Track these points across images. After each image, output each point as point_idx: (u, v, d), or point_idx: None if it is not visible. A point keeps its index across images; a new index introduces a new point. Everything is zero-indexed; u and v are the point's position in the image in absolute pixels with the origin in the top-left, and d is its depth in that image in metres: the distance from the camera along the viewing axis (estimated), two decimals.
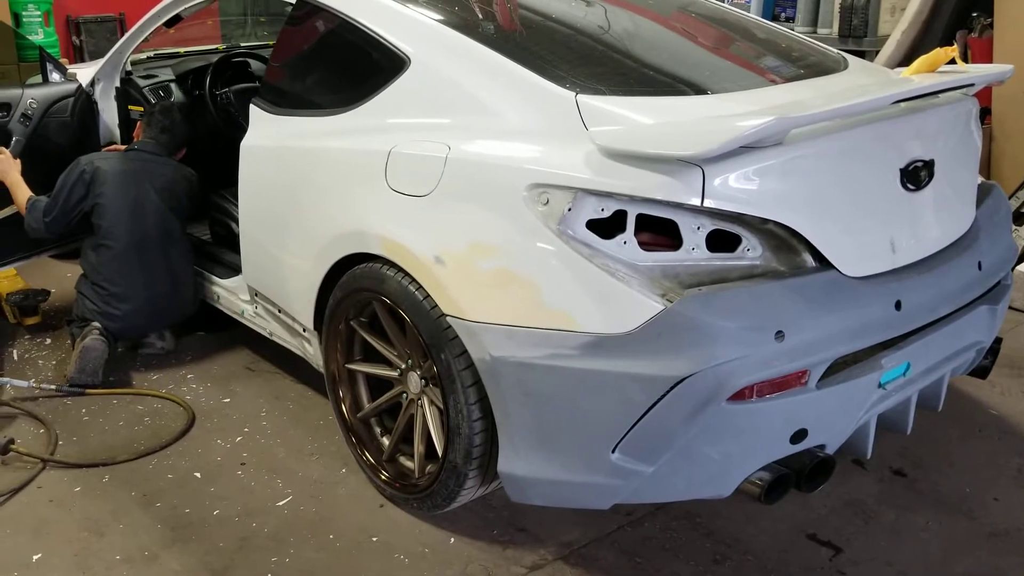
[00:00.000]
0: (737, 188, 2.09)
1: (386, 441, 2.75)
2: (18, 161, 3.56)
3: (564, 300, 2.13)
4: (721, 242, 2.19)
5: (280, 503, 2.70)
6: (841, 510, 2.66)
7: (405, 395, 2.62)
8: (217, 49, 4.50)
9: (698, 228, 2.16)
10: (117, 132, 4.08)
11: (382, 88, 2.65)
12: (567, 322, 2.12)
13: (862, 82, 2.71)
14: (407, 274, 2.40)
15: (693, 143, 2.03)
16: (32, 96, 3.69)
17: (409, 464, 2.68)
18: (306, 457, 2.93)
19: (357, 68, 2.81)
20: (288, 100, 3.02)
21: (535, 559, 2.46)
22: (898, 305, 2.25)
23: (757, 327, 2.06)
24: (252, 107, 3.07)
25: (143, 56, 4.24)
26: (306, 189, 2.80)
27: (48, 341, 3.79)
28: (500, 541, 2.53)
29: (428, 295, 2.34)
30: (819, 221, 2.18)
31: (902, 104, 2.38)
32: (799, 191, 2.16)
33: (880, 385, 2.28)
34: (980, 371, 2.83)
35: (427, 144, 2.43)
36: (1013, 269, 2.84)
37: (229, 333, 3.75)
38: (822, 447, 2.27)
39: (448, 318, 2.29)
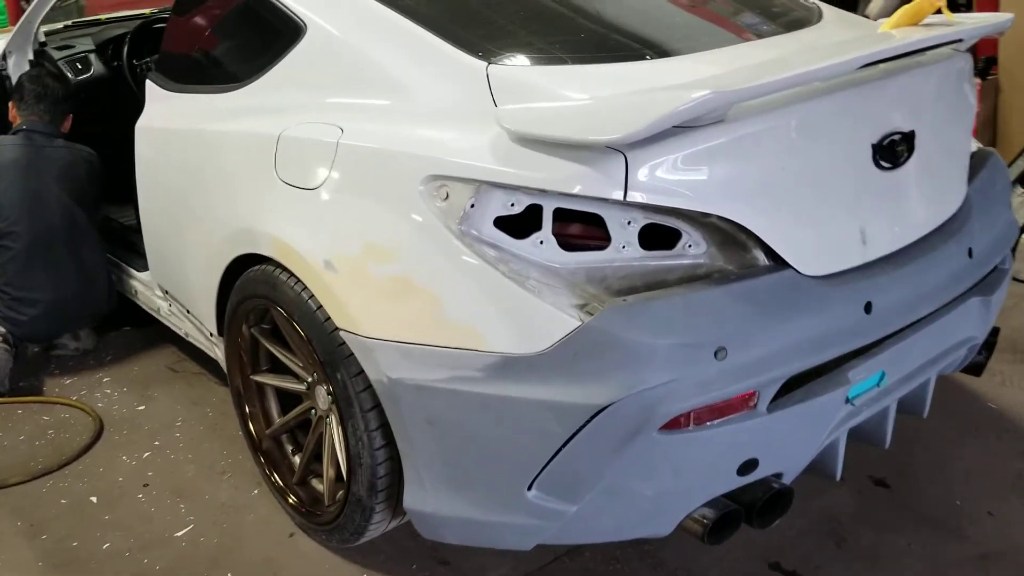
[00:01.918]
0: (669, 177, 1.73)
1: (298, 460, 2.45)
2: None
3: (467, 314, 1.80)
4: (659, 237, 1.85)
5: (179, 533, 2.40)
6: (811, 531, 2.34)
7: (314, 411, 2.30)
8: (146, 15, 4.13)
9: (628, 223, 1.82)
10: None
11: (277, 60, 2.30)
12: (471, 340, 1.79)
13: (835, 38, 2.32)
14: (299, 279, 2.07)
15: (611, 125, 1.69)
16: None
17: (320, 487, 2.37)
18: (216, 476, 2.63)
19: (252, 36, 2.46)
20: (182, 75, 2.67)
21: None
22: (868, 307, 1.90)
23: (693, 344, 1.73)
24: (147, 82, 2.73)
25: (59, 25, 3.88)
26: (199, 179, 2.46)
27: None
28: None
29: (321, 306, 2.01)
30: (770, 212, 1.83)
31: (878, 65, 2.01)
32: (745, 177, 1.81)
33: (848, 400, 1.95)
34: (974, 368, 2.48)
35: (318, 127, 2.09)
36: (1014, 249, 2.48)
37: (156, 328, 3.43)
38: (778, 476, 1.94)
39: (342, 332, 1.96)
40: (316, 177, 2.04)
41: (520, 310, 1.75)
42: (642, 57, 2.09)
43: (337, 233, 1.98)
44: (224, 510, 2.48)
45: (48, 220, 3.13)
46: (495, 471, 1.86)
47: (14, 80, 3.65)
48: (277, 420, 2.47)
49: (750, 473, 1.87)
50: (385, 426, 1.99)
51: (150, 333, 3.41)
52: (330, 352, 2.01)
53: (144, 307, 3.23)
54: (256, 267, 2.21)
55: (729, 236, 1.87)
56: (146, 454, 2.75)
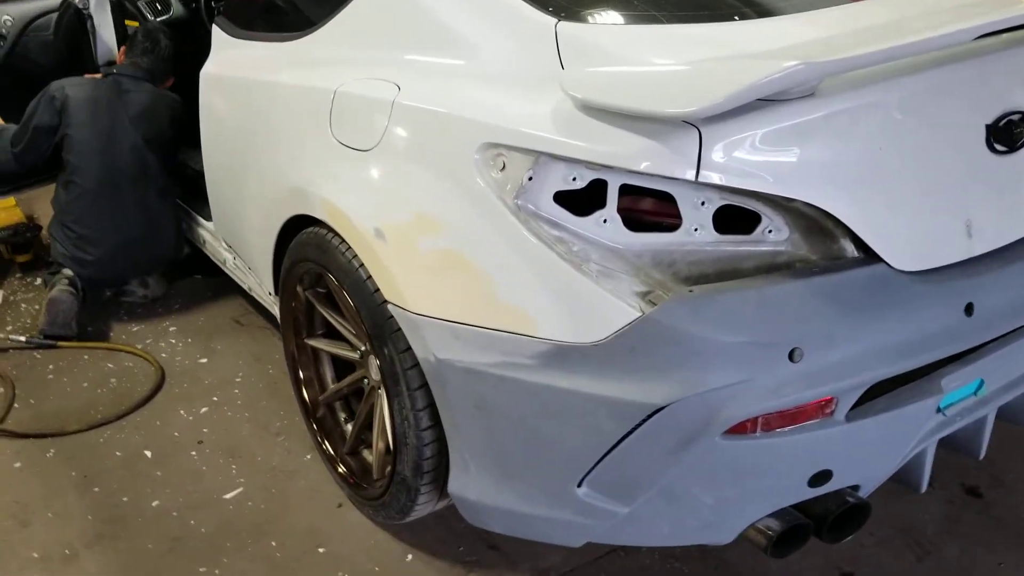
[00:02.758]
0: (748, 157, 1.56)
1: (350, 429, 2.37)
2: None
3: (521, 296, 1.67)
4: (735, 220, 1.68)
5: (228, 495, 2.36)
6: (890, 541, 2.16)
7: (367, 381, 2.21)
8: None
9: (702, 204, 1.65)
10: (116, 51, 3.71)
11: (337, 10, 2.17)
12: (523, 324, 1.66)
13: (953, 1, 2.07)
14: (350, 246, 1.97)
15: (686, 96, 1.51)
16: (7, 12, 3.33)
17: (371, 459, 2.29)
18: (270, 438, 2.58)
19: None
20: (246, 21, 2.57)
21: None
22: (969, 309, 1.69)
23: (766, 343, 1.56)
24: (214, 28, 2.64)
25: None
26: (258, 132, 2.37)
27: (38, 281, 3.51)
28: (465, 562, 2.13)
29: (370, 276, 1.91)
30: (863, 199, 1.63)
31: (999, 35, 1.77)
32: (836, 159, 1.61)
33: (939, 410, 1.76)
34: None
35: (375, 83, 1.96)
36: None
37: (224, 279, 3.38)
38: (855, 488, 1.77)
39: (390, 306, 1.85)
40: (370, 138, 1.92)
41: (576, 296, 1.61)
42: (730, 17, 1.90)
43: (388, 200, 1.86)
44: (275, 474, 2.43)
45: (117, 160, 3.09)
46: (544, 463, 1.74)
47: (96, 19, 3.63)
48: (331, 386, 2.40)
49: (822, 485, 1.70)
50: (432, 406, 1.88)
51: (218, 283, 3.36)
52: (379, 325, 1.90)
53: (211, 257, 3.19)
54: (310, 229, 2.12)
55: (815, 223, 1.68)
56: (203, 409, 2.71)
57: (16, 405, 2.75)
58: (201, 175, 3.41)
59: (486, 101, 1.77)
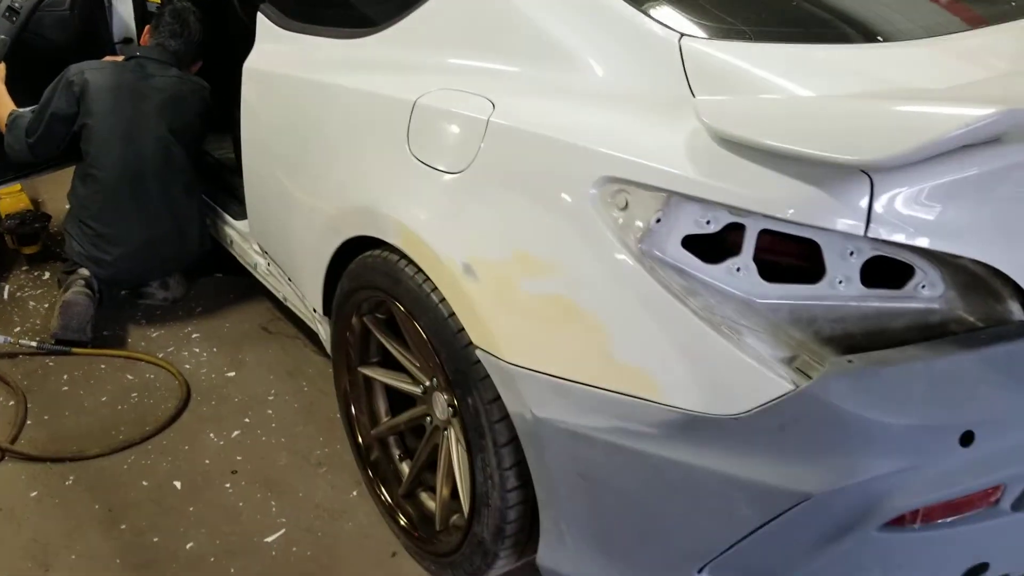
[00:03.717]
0: (919, 210, 1.34)
1: (406, 468, 2.15)
2: (2, 66, 2.96)
3: (643, 354, 1.45)
4: (879, 271, 1.47)
5: (269, 538, 2.14)
6: None
7: (429, 419, 1.99)
8: None
9: (851, 253, 1.43)
10: (134, 30, 3.43)
11: (414, 5, 1.93)
12: (645, 387, 1.44)
13: None
14: (429, 278, 1.74)
15: (861, 141, 1.29)
16: None
17: (431, 504, 2.08)
18: (311, 469, 2.36)
19: None
20: (301, 11, 2.31)
21: None
22: None
23: (936, 425, 1.35)
24: (259, 16, 2.38)
25: None
26: (314, 138, 2.13)
27: (46, 276, 3.27)
28: None
29: (453, 313, 1.68)
30: None
31: None
32: (1016, 213, 1.41)
33: None
34: None
35: (464, 97, 1.73)
36: None
37: (249, 279, 3.15)
38: None
39: (478, 351, 1.63)
40: (459, 160, 1.69)
41: (712, 359, 1.39)
42: (846, 39, 1.69)
43: (482, 233, 1.63)
44: (319, 514, 2.21)
45: (141, 152, 2.84)
46: (659, 545, 1.53)
47: None
48: (384, 420, 2.18)
49: None
50: (520, 464, 1.66)
51: (242, 284, 3.11)
52: (461, 371, 1.68)
53: (239, 259, 2.95)
54: (376, 252, 1.89)
55: (976, 279, 1.47)
56: (235, 433, 2.49)
57: (29, 422, 2.52)
58: (224, 165, 3.17)
59: (603, 127, 1.53)
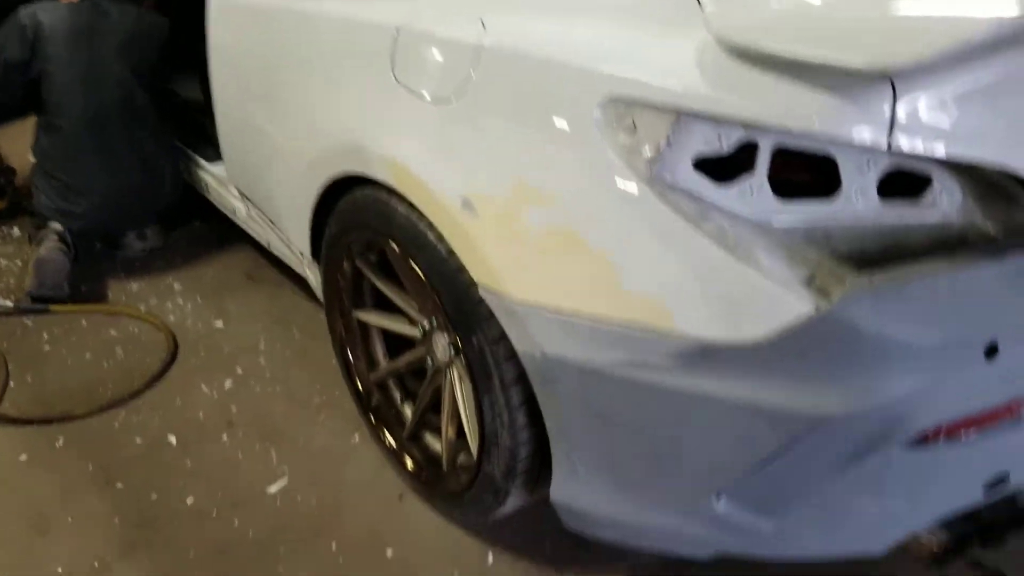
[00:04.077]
0: (943, 118, 1.28)
1: (408, 411, 2.11)
2: None
3: (654, 284, 1.39)
4: (895, 184, 1.42)
5: (272, 488, 2.09)
6: None
7: (430, 361, 1.94)
8: None
9: (868, 166, 1.38)
10: None
11: None
12: (658, 317, 1.39)
13: None
14: (424, 216, 1.67)
15: (888, 43, 1.22)
16: None
17: (437, 446, 2.04)
18: (310, 416, 2.31)
19: None
20: None
21: None
22: None
23: (960, 340, 1.32)
24: None
25: None
26: (291, 71, 2.03)
27: (16, 232, 3.16)
28: (555, 563, 1.90)
29: (453, 252, 1.62)
30: None
31: None
32: None
33: None
34: None
35: (452, 18, 1.64)
36: None
37: (229, 225, 3.05)
38: None
39: (481, 290, 1.57)
40: (449, 86, 1.60)
41: (727, 284, 1.34)
42: None
43: (479, 165, 1.56)
44: (321, 461, 2.17)
45: (103, 97, 2.72)
46: (675, 475, 1.50)
47: None
48: (383, 364, 2.12)
49: (997, 488, 1.49)
50: (530, 401, 1.62)
51: (223, 230, 3.02)
52: (464, 311, 1.62)
53: (217, 205, 2.85)
54: (365, 191, 1.81)
55: (994, 187, 1.42)
56: (228, 383, 2.43)
57: (11, 384, 2.44)
58: (193, 107, 3.05)
59: (603, 45, 1.45)
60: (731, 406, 1.37)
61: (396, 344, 2.10)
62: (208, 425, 2.28)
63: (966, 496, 1.49)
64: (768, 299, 1.31)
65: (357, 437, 2.22)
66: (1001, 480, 1.48)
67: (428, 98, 1.64)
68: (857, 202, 1.41)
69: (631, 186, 1.39)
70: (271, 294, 2.81)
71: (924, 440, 1.36)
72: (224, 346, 2.57)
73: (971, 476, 1.46)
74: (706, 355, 1.36)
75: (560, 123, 1.45)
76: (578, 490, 1.62)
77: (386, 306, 2.03)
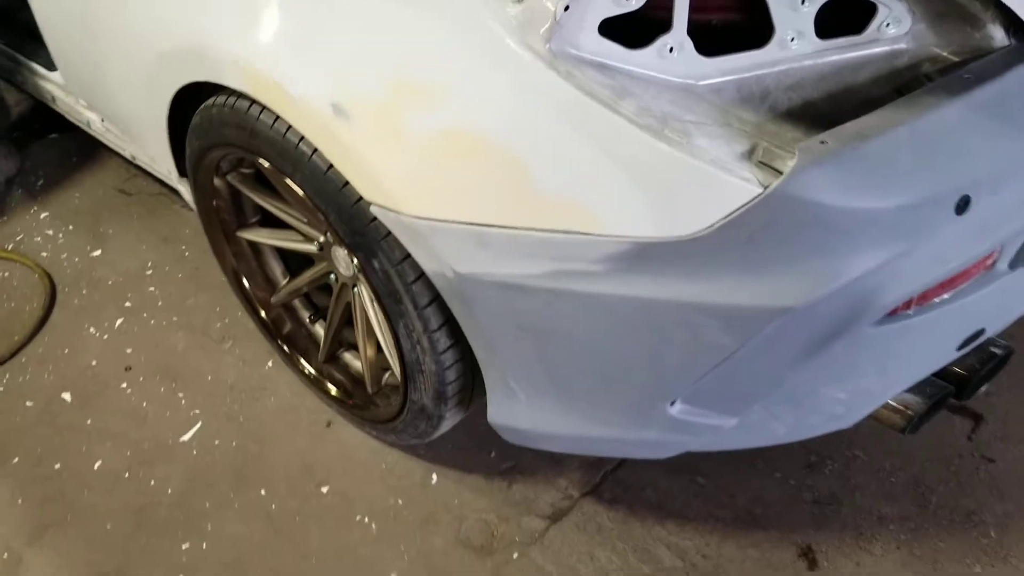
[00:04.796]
0: None
1: (320, 331, 1.90)
2: None
3: (573, 182, 1.18)
4: (834, 17, 1.22)
5: (186, 436, 1.90)
6: None
7: (334, 276, 1.71)
8: None
9: (803, 2, 1.18)
10: None
11: None
12: (582, 220, 1.18)
13: None
14: (292, 127, 1.40)
15: None
16: None
17: (358, 365, 1.85)
18: (215, 346, 2.09)
19: None
20: None
21: (555, 499, 1.73)
22: None
23: (928, 198, 1.14)
24: None
25: None
26: None
27: None
28: (502, 471, 1.77)
29: (332, 166, 1.37)
30: None
31: None
32: None
33: None
34: None
35: None
36: None
37: (90, 136, 2.71)
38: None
39: (372, 207, 1.34)
40: None
41: (657, 172, 1.14)
42: None
43: (347, 61, 1.29)
44: (235, 396, 1.97)
45: None
46: (624, 385, 1.34)
47: None
48: (283, 284, 1.89)
49: (971, 343, 1.36)
50: (450, 322, 1.43)
51: (84, 142, 2.67)
52: (358, 232, 1.39)
53: (67, 117, 2.49)
54: (219, 101, 1.52)
55: (948, 4, 1.22)
56: (118, 321, 2.18)
57: None
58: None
59: None
60: (676, 309, 1.19)
61: (295, 262, 1.88)
62: (104, 373, 2.05)
63: (940, 359, 1.36)
64: (707, 184, 1.11)
65: (271, 364, 2.02)
66: (976, 336, 1.35)
67: None
68: (793, 45, 1.22)
69: (530, 68, 1.15)
70: (151, 208, 2.51)
71: (894, 312, 1.21)
72: (107, 278, 2.30)
73: (945, 339, 1.33)
74: (641, 256, 1.17)
75: (438, 1, 1.19)
76: (520, 412, 1.46)
77: (274, 222, 1.78)
